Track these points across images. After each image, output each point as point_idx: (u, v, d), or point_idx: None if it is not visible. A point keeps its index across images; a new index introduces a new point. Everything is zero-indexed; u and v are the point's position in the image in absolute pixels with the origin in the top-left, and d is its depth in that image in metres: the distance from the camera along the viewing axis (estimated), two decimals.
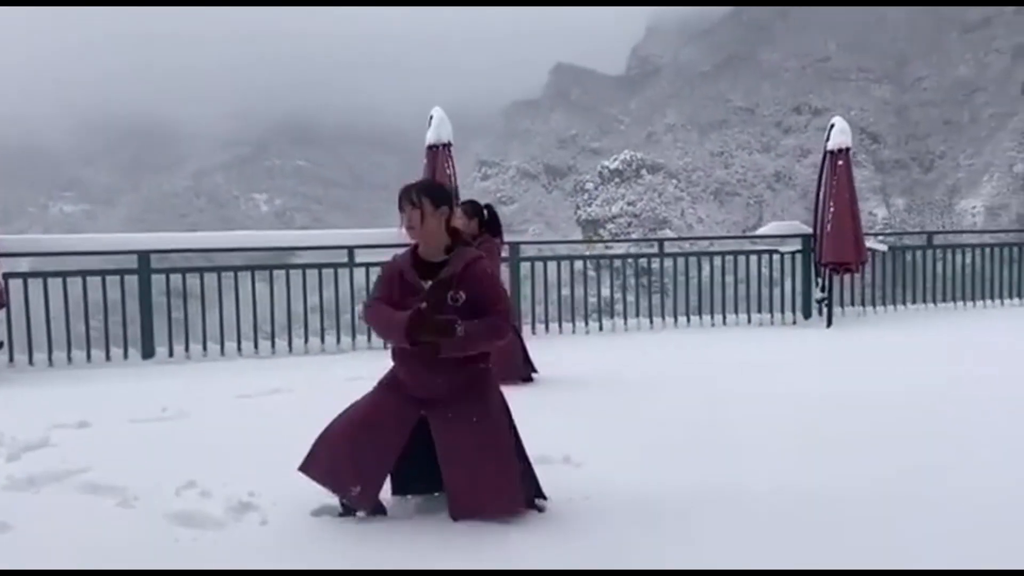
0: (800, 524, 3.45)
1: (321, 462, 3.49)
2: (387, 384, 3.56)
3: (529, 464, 3.61)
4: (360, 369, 5.02)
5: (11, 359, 7.74)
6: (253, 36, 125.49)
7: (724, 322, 9.81)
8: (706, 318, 9.81)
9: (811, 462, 4.27)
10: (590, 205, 50.31)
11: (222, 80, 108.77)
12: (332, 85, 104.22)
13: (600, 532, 3.38)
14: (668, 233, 47.63)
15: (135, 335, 8.10)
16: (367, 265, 8.24)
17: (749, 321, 9.89)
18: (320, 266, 8.53)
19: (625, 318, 9.83)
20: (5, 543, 3.39)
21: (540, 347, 7.06)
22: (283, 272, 8.84)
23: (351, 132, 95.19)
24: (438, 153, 8.26)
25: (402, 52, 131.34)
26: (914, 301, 10.78)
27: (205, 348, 8.23)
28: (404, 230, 3.47)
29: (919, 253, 11.03)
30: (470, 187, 68.57)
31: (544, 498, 3.62)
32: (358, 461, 3.42)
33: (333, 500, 3.59)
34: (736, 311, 10.00)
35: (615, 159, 52.35)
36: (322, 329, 8.46)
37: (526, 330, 8.39)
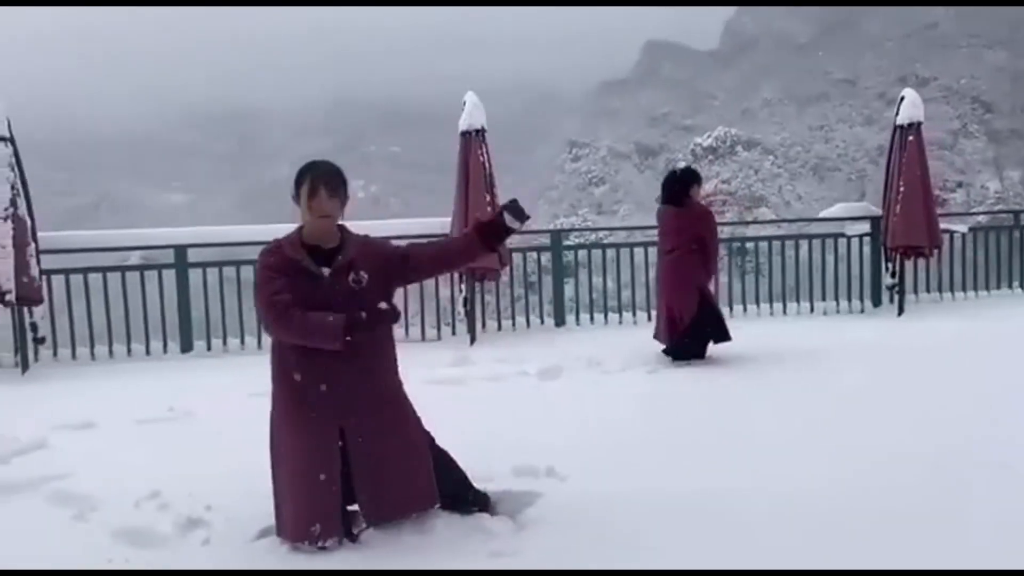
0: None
1: (287, 524, 3.39)
2: (295, 413, 3.35)
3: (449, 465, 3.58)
4: None
5: (55, 353, 7.93)
6: (344, 29, 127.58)
7: (784, 311, 9.25)
8: (764, 306, 9.30)
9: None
10: None
11: (317, 72, 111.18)
12: (421, 69, 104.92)
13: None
14: (764, 212, 46.27)
15: (175, 329, 8.19)
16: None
17: (812, 310, 9.33)
18: None
19: None
20: None
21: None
22: None
23: (439, 117, 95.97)
24: (471, 139, 8.00)
25: (490, 32, 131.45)
26: (998, 287, 9.92)
27: (243, 342, 8.24)
28: (316, 217, 3.30)
29: (1004, 234, 10.18)
30: (560, 168, 68.37)
31: (481, 500, 3.63)
32: (311, 506, 3.33)
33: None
34: (797, 299, 9.44)
35: (708, 136, 51.01)
36: None
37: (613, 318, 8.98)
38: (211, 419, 5.40)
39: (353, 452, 3.31)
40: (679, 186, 6.83)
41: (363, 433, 3.32)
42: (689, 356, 6.73)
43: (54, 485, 4.09)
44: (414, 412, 3.52)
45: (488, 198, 7.84)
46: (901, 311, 8.91)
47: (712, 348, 6.80)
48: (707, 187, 48.76)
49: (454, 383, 6.20)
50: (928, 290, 9.74)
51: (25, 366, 7.51)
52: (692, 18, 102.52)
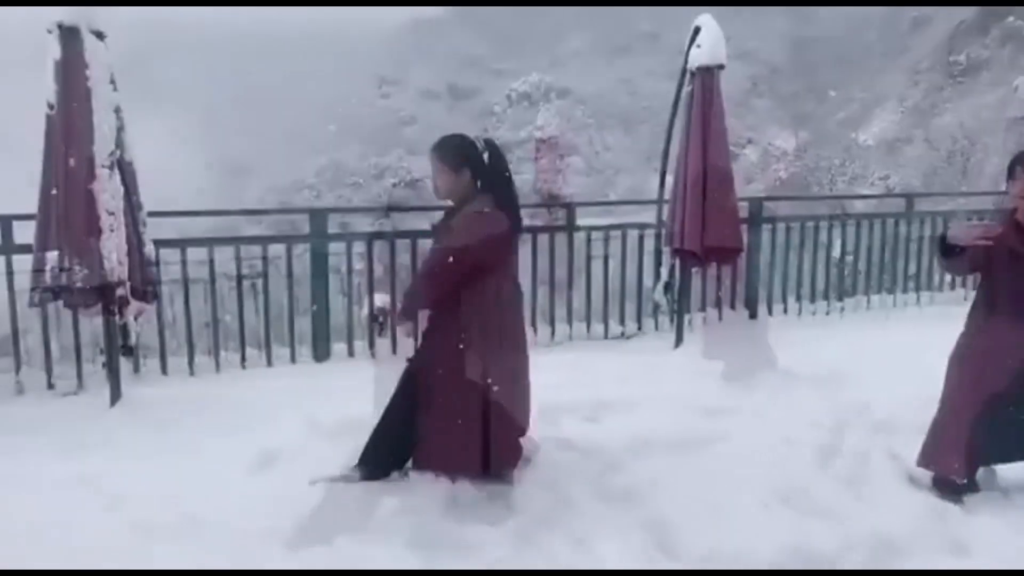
0: None
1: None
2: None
3: None
4: None
5: (136, 368, 5.25)
6: None
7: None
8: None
9: None
10: (498, 129, 47.20)
11: None
12: None
13: None
14: (575, 161, 45.26)
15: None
16: None
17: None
18: None
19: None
20: None
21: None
22: None
23: None
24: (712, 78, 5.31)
25: None
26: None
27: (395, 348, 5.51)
28: None
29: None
30: (370, 103, 64.39)
31: None
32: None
33: None
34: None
35: (523, 81, 49.18)
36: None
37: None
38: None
39: None
40: None
41: None
42: None
43: None
44: None
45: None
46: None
47: None
48: (521, 133, 47.23)
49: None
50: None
51: (116, 395, 4.71)
52: None
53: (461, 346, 3.43)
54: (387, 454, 3.62)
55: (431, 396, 3.51)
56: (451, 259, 3.39)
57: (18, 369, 4.97)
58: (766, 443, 4.06)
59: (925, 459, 3.71)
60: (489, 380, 3.43)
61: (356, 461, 3.63)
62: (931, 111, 45.48)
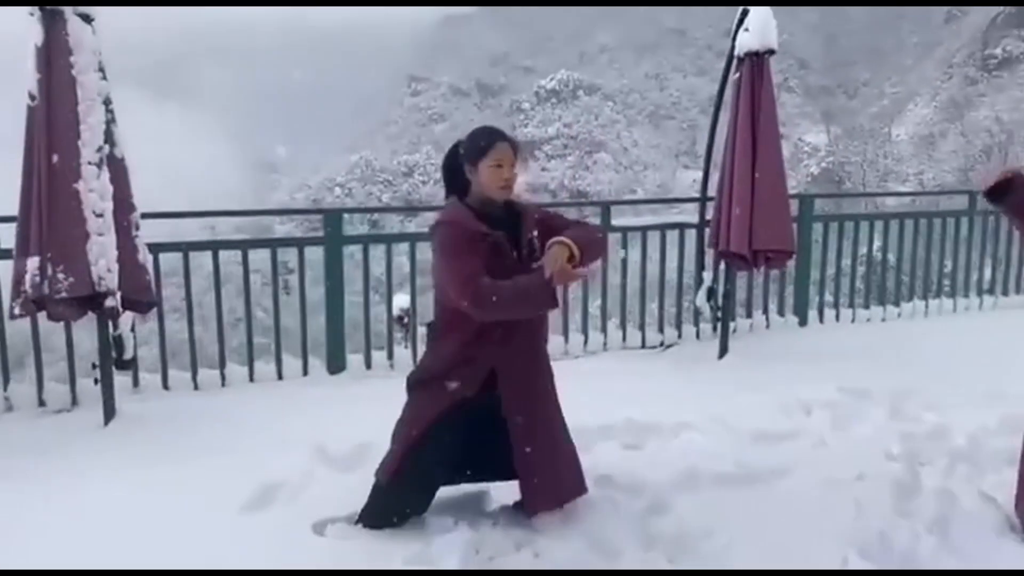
0: None
1: None
2: None
3: None
4: None
5: (135, 382, 4.79)
6: None
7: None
8: (917, 303, 6.77)
9: None
10: (526, 126, 46.64)
11: None
12: None
13: None
14: (603, 157, 44.51)
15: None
16: None
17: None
18: None
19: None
20: None
21: None
22: None
23: None
24: (761, 63, 5.17)
25: None
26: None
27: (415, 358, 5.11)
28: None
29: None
30: (399, 102, 64.03)
31: None
32: None
33: None
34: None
35: (551, 79, 48.57)
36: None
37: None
38: None
39: None
40: None
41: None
42: None
43: None
44: None
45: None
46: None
47: None
48: (549, 130, 46.58)
49: None
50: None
51: (110, 412, 4.26)
52: None
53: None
54: (406, 503, 3.06)
55: (529, 426, 3.00)
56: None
57: (6, 384, 4.51)
58: (834, 478, 3.48)
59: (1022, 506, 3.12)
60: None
61: (359, 515, 3.08)
62: (966, 105, 44.00)
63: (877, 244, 6.75)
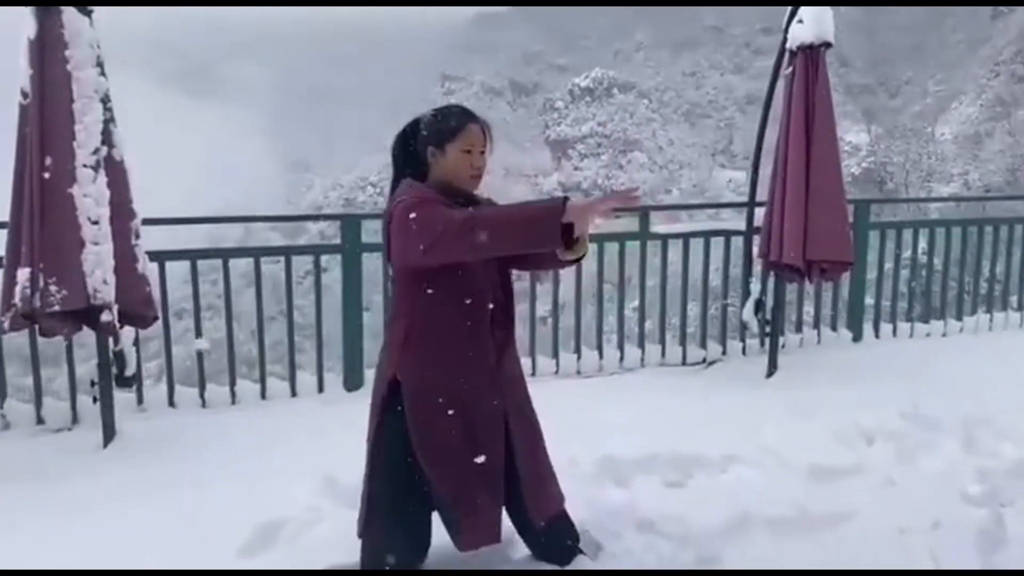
0: None
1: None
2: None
3: None
4: None
5: (139, 399, 4.49)
6: None
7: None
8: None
9: None
10: (560, 124, 46.19)
11: None
12: None
13: None
14: (637, 156, 43.91)
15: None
16: None
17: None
18: None
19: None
20: None
21: None
22: None
23: None
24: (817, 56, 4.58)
25: None
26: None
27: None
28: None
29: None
30: (433, 102, 63.55)
31: None
32: None
33: None
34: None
35: (586, 76, 48.06)
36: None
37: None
38: None
39: None
40: None
41: None
42: None
43: None
44: None
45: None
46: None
47: None
48: (583, 129, 46.06)
49: None
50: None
51: (109, 434, 3.99)
52: None
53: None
54: (413, 544, 2.70)
55: (529, 436, 2.71)
56: None
57: (2, 402, 4.23)
58: (907, 525, 3.06)
59: None
60: None
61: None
62: (1013, 103, 42.66)
63: (925, 249, 6.26)
